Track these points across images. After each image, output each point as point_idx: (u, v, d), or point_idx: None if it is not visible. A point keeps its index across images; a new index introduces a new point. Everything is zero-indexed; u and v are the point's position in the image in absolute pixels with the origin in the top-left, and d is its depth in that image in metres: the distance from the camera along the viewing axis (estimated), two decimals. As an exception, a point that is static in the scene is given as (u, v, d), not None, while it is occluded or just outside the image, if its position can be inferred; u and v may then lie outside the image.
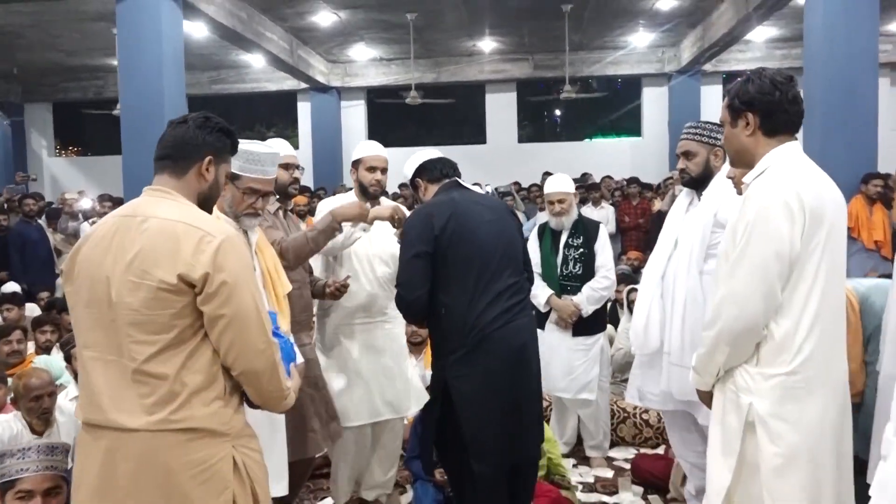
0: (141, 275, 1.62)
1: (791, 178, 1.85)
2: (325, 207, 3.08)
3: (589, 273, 3.69)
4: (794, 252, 1.80)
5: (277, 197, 2.90)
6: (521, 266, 2.73)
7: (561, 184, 3.82)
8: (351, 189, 3.36)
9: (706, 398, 2.06)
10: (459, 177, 2.88)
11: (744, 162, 2.01)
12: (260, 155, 2.37)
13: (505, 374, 2.57)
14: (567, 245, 3.76)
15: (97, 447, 1.64)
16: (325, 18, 9.31)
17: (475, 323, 2.53)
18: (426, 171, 2.86)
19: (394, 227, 2.93)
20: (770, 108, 1.91)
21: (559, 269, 3.75)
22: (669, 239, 3.04)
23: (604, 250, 3.72)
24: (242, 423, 1.75)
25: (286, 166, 2.89)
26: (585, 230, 3.74)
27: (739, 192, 2.55)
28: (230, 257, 1.64)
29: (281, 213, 2.94)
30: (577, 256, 3.72)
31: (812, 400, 1.82)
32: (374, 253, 3.14)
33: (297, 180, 2.97)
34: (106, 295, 1.63)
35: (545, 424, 3.74)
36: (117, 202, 7.67)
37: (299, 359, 2.41)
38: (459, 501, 2.76)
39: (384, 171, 3.15)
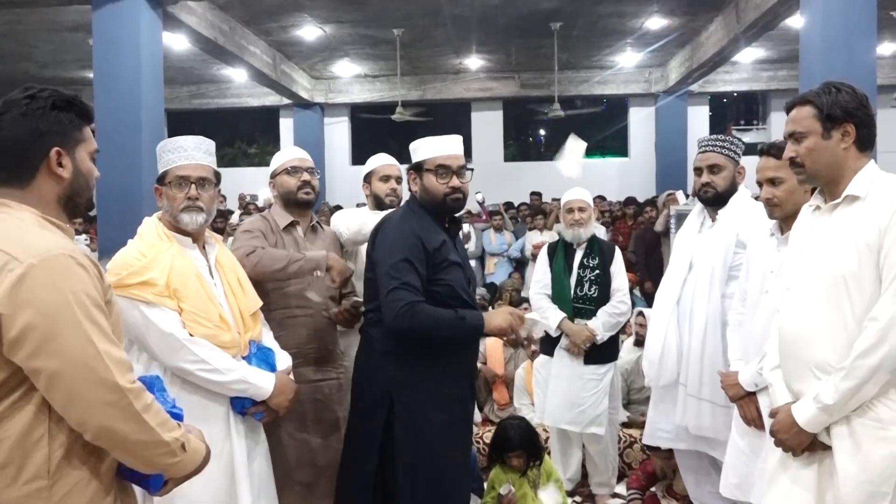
0: None
1: None
2: (338, 221, 2.87)
3: (604, 297, 3.46)
4: None
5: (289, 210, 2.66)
6: None
7: (582, 192, 3.62)
8: (364, 205, 3.13)
9: (802, 438, 1.79)
10: None
11: (828, 178, 1.84)
12: (179, 141, 2.16)
13: None
14: (582, 265, 3.52)
15: None
16: (309, 33, 9.12)
17: None
18: None
19: None
20: (867, 121, 1.82)
21: (572, 291, 3.51)
22: (683, 261, 2.87)
23: (619, 273, 3.51)
24: None
25: (291, 170, 2.66)
26: (601, 251, 3.53)
27: (770, 216, 2.37)
28: (40, 289, 1.24)
29: (299, 229, 2.66)
30: (592, 278, 3.49)
31: None
32: None
33: (306, 183, 2.66)
34: None
35: (547, 457, 3.52)
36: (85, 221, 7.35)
37: (281, 365, 2.18)
38: None
39: (399, 179, 2.94)
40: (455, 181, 2.35)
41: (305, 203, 2.67)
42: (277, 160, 2.75)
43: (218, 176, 2.22)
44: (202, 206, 2.12)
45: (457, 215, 2.43)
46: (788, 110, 1.92)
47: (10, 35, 8.92)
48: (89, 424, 1.29)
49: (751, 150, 2.61)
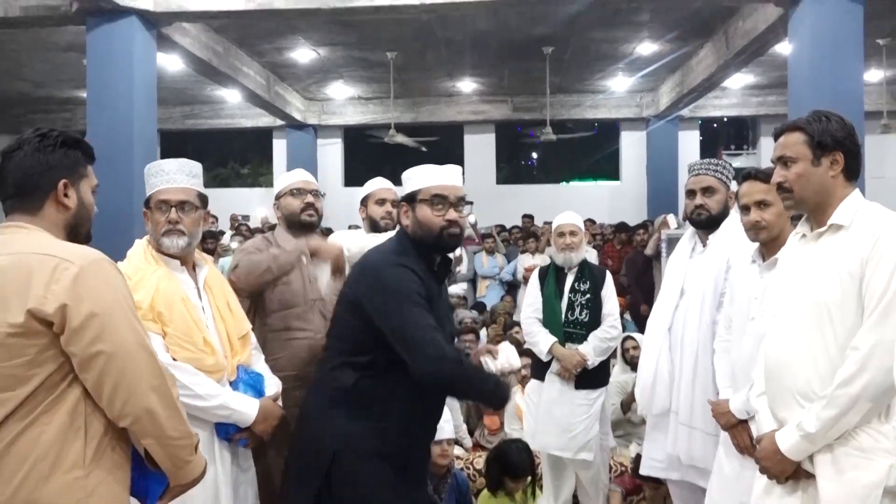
0: None
1: None
2: (341, 238, 2.88)
3: (595, 321, 3.46)
4: None
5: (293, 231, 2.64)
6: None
7: (573, 216, 3.63)
8: (357, 227, 3.14)
9: (785, 466, 1.79)
10: None
11: (815, 204, 1.86)
12: (161, 165, 2.18)
13: None
14: (573, 290, 3.51)
15: None
16: (303, 55, 9.16)
17: None
18: None
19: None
20: (855, 150, 1.85)
21: (563, 315, 3.51)
22: (674, 287, 2.85)
23: (610, 297, 3.51)
24: (111, 498, 1.43)
25: (295, 192, 2.67)
26: (592, 275, 3.53)
27: (755, 240, 2.39)
28: (95, 284, 1.41)
29: None
30: (583, 302, 3.48)
31: None
32: None
33: (310, 206, 2.65)
34: None
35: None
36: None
37: (270, 391, 2.15)
38: None
39: (395, 203, 2.94)
40: (452, 213, 2.07)
41: (309, 225, 2.67)
42: (282, 182, 2.76)
43: (203, 198, 2.20)
44: (183, 230, 2.10)
45: (450, 255, 2.20)
46: (777, 136, 1.95)
47: (3, 54, 8.92)
48: (134, 407, 1.42)
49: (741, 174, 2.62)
